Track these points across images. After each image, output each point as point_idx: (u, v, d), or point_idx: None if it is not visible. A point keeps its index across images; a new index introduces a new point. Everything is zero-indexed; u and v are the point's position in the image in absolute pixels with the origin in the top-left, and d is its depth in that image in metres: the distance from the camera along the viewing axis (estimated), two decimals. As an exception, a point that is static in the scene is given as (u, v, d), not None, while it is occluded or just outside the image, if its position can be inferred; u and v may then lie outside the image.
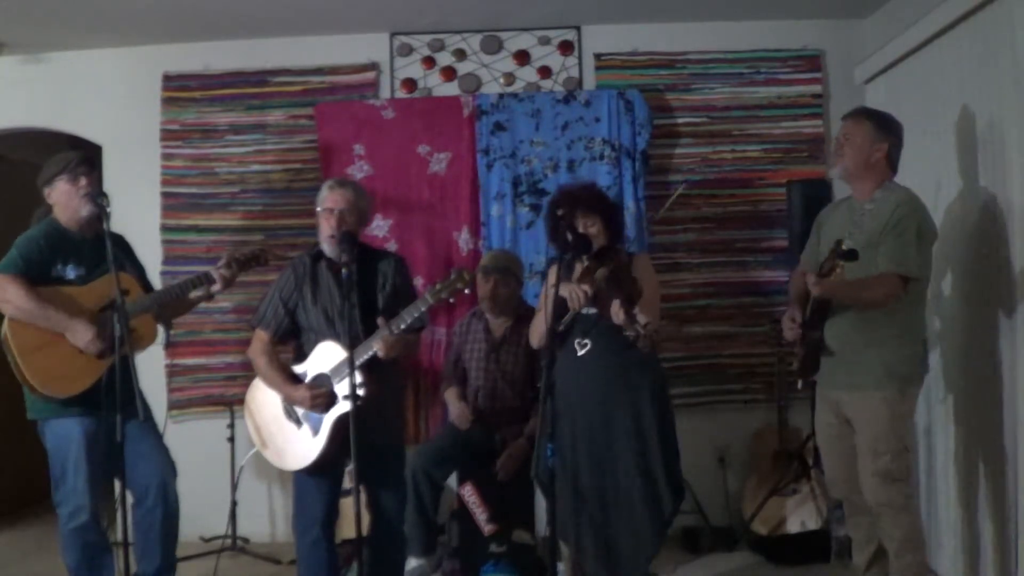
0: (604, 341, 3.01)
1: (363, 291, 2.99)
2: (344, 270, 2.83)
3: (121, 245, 3.21)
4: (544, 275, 4.17)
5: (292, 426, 3.02)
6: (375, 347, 2.85)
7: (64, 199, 3.04)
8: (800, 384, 3.12)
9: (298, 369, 3.05)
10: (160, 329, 3.24)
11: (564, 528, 3.08)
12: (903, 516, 2.84)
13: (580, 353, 3.05)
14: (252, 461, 4.24)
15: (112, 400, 2.80)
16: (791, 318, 2.96)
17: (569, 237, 2.94)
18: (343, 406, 2.89)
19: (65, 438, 2.98)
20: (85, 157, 3.12)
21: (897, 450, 2.83)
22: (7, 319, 2.93)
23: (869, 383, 2.85)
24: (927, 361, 3.00)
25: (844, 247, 2.74)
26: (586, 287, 2.87)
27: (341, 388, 2.89)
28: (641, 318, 2.73)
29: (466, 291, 2.91)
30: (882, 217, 2.86)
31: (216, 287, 3.15)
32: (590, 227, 3.07)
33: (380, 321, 2.86)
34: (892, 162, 2.96)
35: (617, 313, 2.77)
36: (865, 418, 2.87)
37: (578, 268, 3.07)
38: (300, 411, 3.00)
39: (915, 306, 2.91)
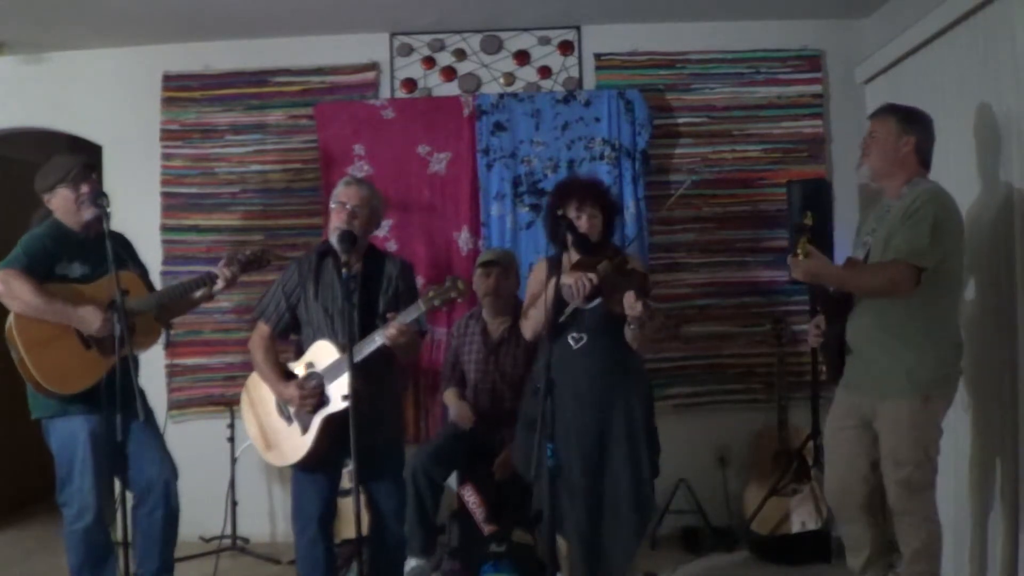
0: (599, 336, 3.02)
1: (366, 292, 3.01)
2: (344, 270, 2.83)
3: (123, 244, 3.21)
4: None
5: (283, 422, 3.04)
6: (378, 340, 2.84)
7: (66, 205, 3.04)
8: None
9: (293, 367, 3.06)
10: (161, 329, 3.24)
11: (561, 523, 3.07)
12: (923, 526, 2.77)
13: (575, 347, 3.05)
14: (253, 460, 4.24)
15: (113, 399, 2.79)
16: (816, 324, 2.90)
17: (568, 234, 2.96)
18: (333, 406, 2.90)
19: (71, 438, 2.97)
20: (85, 163, 3.11)
21: (919, 460, 2.73)
22: (13, 315, 2.92)
23: (892, 390, 2.76)
24: (958, 366, 2.84)
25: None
26: (591, 275, 2.86)
27: (333, 389, 2.91)
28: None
29: (459, 300, 2.91)
30: (902, 210, 2.76)
31: (218, 286, 3.16)
32: (592, 218, 3.05)
33: (390, 316, 2.86)
34: (922, 157, 2.84)
35: (634, 305, 2.75)
36: (887, 425, 2.78)
37: (565, 262, 3.04)
38: (291, 408, 3.01)
39: (940, 304, 2.77)
